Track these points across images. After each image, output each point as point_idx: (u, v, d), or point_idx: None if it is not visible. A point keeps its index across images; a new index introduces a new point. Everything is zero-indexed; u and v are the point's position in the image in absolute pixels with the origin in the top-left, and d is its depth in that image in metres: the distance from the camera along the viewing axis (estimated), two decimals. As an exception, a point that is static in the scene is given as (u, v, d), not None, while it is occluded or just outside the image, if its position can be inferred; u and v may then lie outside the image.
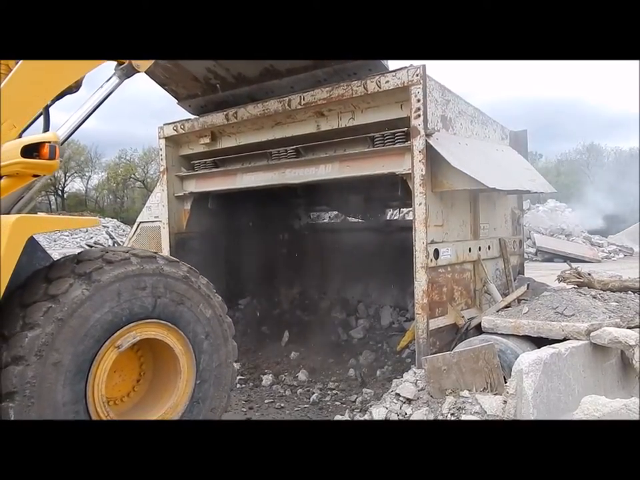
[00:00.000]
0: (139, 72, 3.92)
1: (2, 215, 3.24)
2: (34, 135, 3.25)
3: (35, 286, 3.06)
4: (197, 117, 6.13)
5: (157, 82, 5.82)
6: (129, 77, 3.98)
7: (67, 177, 51.28)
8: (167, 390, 3.57)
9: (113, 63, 3.79)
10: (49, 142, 2.94)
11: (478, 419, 3.57)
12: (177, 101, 6.24)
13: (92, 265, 3.15)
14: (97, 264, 3.16)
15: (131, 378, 3.62)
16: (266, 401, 5.56)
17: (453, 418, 3.66)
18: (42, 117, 3.64)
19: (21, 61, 3.36)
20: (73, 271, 3.09)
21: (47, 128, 3.74)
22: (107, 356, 3.14)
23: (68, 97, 3.74)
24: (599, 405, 3.02)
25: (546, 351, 3.71)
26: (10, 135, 3.27)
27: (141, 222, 7.43)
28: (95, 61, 3.51)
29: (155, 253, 3.59)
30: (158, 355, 3.63)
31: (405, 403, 4.00)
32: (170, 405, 3.52)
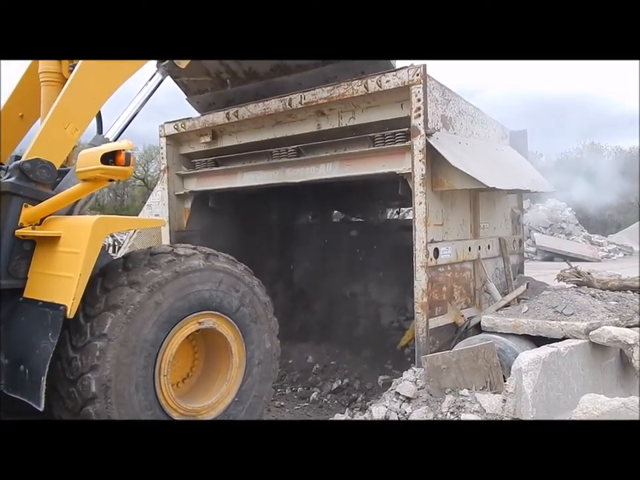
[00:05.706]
0: (180, 68, 4.25)
1: (81, 216, 3.64)
2: (110, 144, 3.52)
3: (163, 247, 3.76)
4: (198, 115, 6.14)
5: (170, 74, 5.86)
6: (170, 74, 4.20)
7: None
8: (209, 392, 3.80)
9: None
10: (124, 150, 3.17)
11: (477, 417, 3.58)
12: (185, 97, 6.23)
13: (210, 250, 3.82)
14: (214, 252, 3.84)
15: (180, 374, 3.87)
16: (266, 399, 5.57)
17: (452, 416, 3.68)
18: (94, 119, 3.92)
19: (76, 69, 3.63)
20: (196, 248, 3.79)
21: (100, 129, 4.03)
22: (189, 325, 3.58)
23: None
24: (598, 403, 3.03)
25: (545, 349, 3.72)
26: (73, 137, 3.58)
27: (141, 220, 7.43)
28: (140, 61, 3.77)
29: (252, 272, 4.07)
30: (210, 360, 3.92)
31: (404, 401, 4.01)
32: (208, 404, 3.72)
